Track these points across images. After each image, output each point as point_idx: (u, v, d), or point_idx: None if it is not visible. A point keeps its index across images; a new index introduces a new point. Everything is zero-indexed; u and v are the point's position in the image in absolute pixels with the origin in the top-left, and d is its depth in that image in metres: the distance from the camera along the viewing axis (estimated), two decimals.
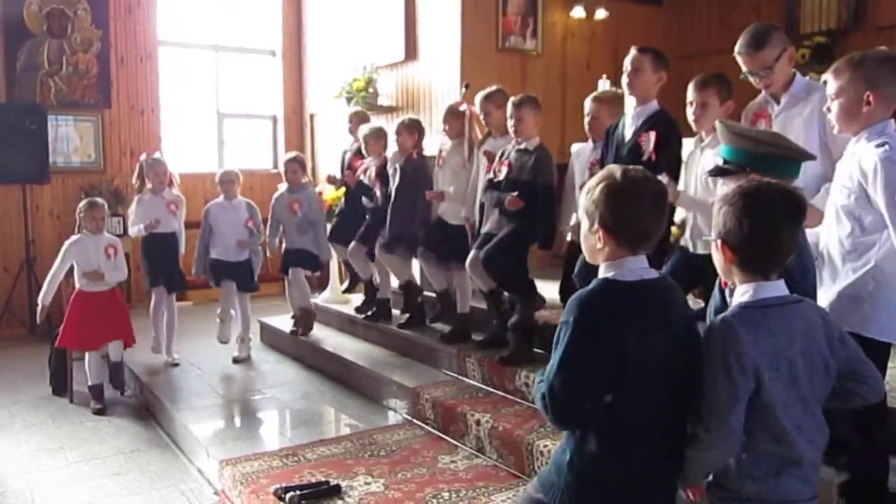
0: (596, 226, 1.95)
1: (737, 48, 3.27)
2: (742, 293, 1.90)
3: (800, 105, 3.19)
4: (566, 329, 1.88)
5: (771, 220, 1.85)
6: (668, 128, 3.75)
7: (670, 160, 3.72)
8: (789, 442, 1.84)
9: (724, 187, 2.44)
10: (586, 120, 4.38)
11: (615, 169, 1.95)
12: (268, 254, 6.41)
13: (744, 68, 3.27)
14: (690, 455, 1.93)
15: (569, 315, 1.89)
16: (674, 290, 2.03)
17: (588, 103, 4.38)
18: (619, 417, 1.90)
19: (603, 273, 1.96)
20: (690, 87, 3.58)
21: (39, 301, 5.29)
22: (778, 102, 3.28)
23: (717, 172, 2.52)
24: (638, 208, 1.91)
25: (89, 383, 5.33)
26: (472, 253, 4.74)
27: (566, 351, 1.87)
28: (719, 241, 1.91)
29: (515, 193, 4.38)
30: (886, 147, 2.44)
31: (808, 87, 3.23)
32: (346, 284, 6.64)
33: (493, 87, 4.91)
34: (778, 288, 1.90)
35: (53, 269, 5.26)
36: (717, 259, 1.96)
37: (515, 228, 4.45)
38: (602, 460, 1.93)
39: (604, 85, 6.39)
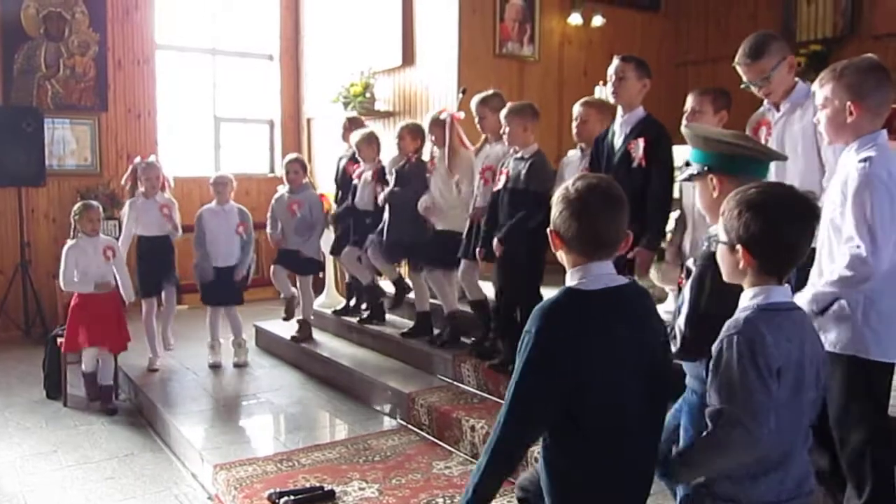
0: (551, 234, 1.99)
1: (736, 59, 3.25)
2: (754, 295, 1.87)
3: (799, 111, 3.16)
4: (528, 339, 1.87)
5: (794, 224, 1.85)
6: (656, 134, 3.78)
7: (661, 165, 3.73)
8: (774, 445, 1.82)
9: (695, 190, 2.44)
10: (574, 123, 4.39)
11: (570, 180, 1.97)
12: (276, 245, 6.37)
13: (744, 78, 3.26)
14: (706, 454, 1.84)
15: (532, 325, 1.88)
16: (644, 296, 2.03)
17: (577, 107, 4.40)
18: (587, 428, 1.88)
19: (568, 280, 1.96)
20: (690, 94, 3.60)
21: (76, 290, 5.30)
22: (779, 110, 3.26)
23: (687, 177, 2.47)
24: (589, 219, 1.91)
25: (102, 383, 5.31)
26: (463, 263, 4.84)
27: (527, 362, 1.86)
28: (739, 246, 1.86)
29: (496, 242, 4.45)
30: (867, 163, 2.40)
31: (809, 93, 3.16)
32: (342, 305, 6.59)
33: (490, 91, 4.92)
34: (786, 293, 1.90)
35: (63, 276, 5.27)
36: (729, 261, 1.92)
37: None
38: (574, 472, 1.93)
39: (600, 92, 6.40)
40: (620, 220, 1.94)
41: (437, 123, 5.22)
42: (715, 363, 1.85)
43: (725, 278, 1.98)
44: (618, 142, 3.94)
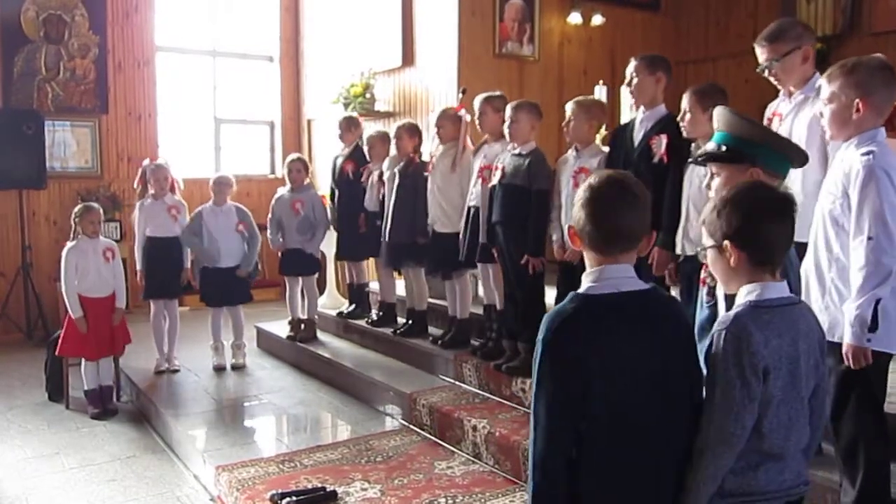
0: (569, 230, 1.95)
1: (757, 39, 3.29)
2: (748, 292, 1.90)
3: (809, 105, 3.16)
4: (539, 349, 1.82)
5: (771, 214, 1.89)
6: (678, 131, 3.77)
7: (681, 163, 3.75)
8: (772, 439, 1.85)
9: (716, 179, 2.42)
10: (565, 122, 4.38)
11: (593, 175, 1.94)
12: (277, 252, 6.40)
13: (759, 60, 3.28)
14: (699, 472, 1.85)
15: (541, 333, 1.83)
16: (666, 302, 1.95)
17: (567, 107, 4.39)
18: (600, 441, 1.80)
19: (582, 284, 1.89)
20: (684, 95, 3.61)
21: (73, 316, 5.22)
22: (791, 101, 3.26)
23: (710, 157, 2.45)
24: (603, 212, 1.85)
25: (85, 388, 5.31)
26: (484, 267, 4.84)
27: (540, 372, 1.81)
28: (727, 242, 1.89)
29: (528, 258, 4.38)
30: (871, 156, 2.44)
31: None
32: (346, 307, 6.54)
33: (496, 92, 4.93)
34: (782, 289, 1.91)
35: (65, 282, 5.23)
36: (722, 264, 1.94)
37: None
38: (588, 490, 1.83)
39: (600, 91, 6.41)
40: (638, 214, 1.87)
41: (451, 119, 5.17)
42: (706, 357, 1.89)
43: (725, 287, 1.99)
44: (637, 137, 3.96)
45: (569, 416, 1.80)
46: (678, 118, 3.64)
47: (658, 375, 1.83)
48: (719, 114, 2.47)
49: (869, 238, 2.41)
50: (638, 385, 1.81)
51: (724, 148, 2.40)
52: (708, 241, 1.95)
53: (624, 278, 1.86)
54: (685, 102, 3.58)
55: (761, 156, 2.27)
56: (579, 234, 1.89)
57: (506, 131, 4.56)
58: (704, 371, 1.91)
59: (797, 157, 2.41)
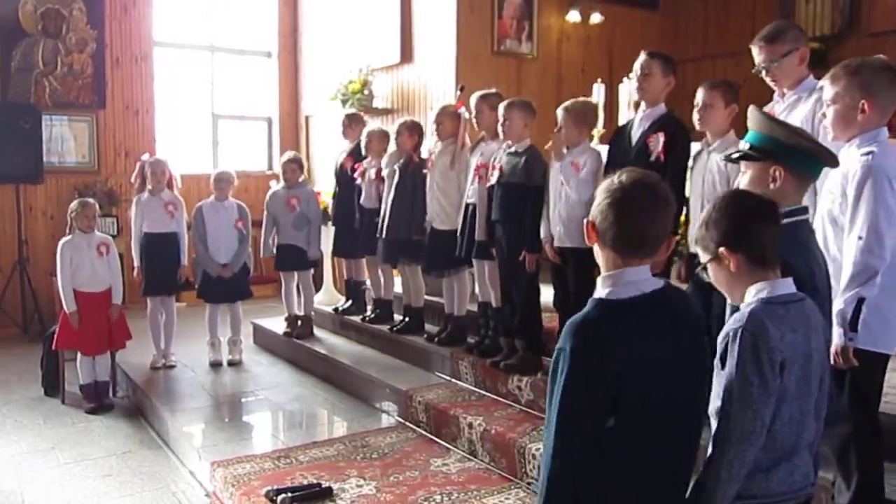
0: (587, 224, 1.87)
1: (753, 40, 3.31)
2: (758, 290, 1.90)
3: (801, 104, 3.18)
4: (563, 358, 1.75)
5: (761, 217, 1.92)
6: (676, 130, 3.78)
7: (676, 161, 3.74)
8: (784, 435, 1.86)
9: (744, 177, 2.40)
10: (557, 128, 4.37)
11: (623, 173, 1.84)
12: (261, 254, 6.40)
13: (756, 61, 3.29)
14: (721, 470, 1.82)
15: (565, 342, 1.76)
16: (680, 299, 1.90)
17: (558, 112, 4.38)
18: (626, 445, 1.77)
19: (599, 290, 1.83)
20: (699, 89, 3.60)
21: (67, 310, 5.24)
22: (784, 101, 3.28)
23: (741, 157, 2.40)
24: (628, 214, 1.78)
25: (80, 383, 5.31)
26: (480, 264, 4.81)
27: (567, 381, 1.74)
28: (722, 249, 1.89)
29: (525, 253, 4.36)
30: (870, 156, 2.45)
31: (813, 87, 3.20)
32: (343, 303, 6.54)
33: (492, 90, 4.93)
34: (789, 285, 1.92)
35: (61, 276, 5.23)
36: (724, 274, 1.94)
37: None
38: (605, 487, 1.80)
39: (598, 89, 6.40)
40: (663, 219, 1.80)
41: (451, 116, 5.15)
42: (721, 356, 1.88)
43: (731, 297, 1.98)
44: (635, 135, 3.95)
45: (590, 430, 1.76)
46: (695, 111, 3.61)
47: (678, 371, 1.81)
48: (751, 113, 2.44)
49: (859, 238, 2.43)
50: (661, 382, 1.78)
51: (748, 146, 2.38)
52: (705, 256, 1.96)
53: (642, 280, 1.82)
54: (706, 95, 3.55)
55: (789, 156, 2.23)
56: (601, 233, 1.82)
57: (500, 129, 4.56)
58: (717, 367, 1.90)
59: (827, 158, 2.36)
